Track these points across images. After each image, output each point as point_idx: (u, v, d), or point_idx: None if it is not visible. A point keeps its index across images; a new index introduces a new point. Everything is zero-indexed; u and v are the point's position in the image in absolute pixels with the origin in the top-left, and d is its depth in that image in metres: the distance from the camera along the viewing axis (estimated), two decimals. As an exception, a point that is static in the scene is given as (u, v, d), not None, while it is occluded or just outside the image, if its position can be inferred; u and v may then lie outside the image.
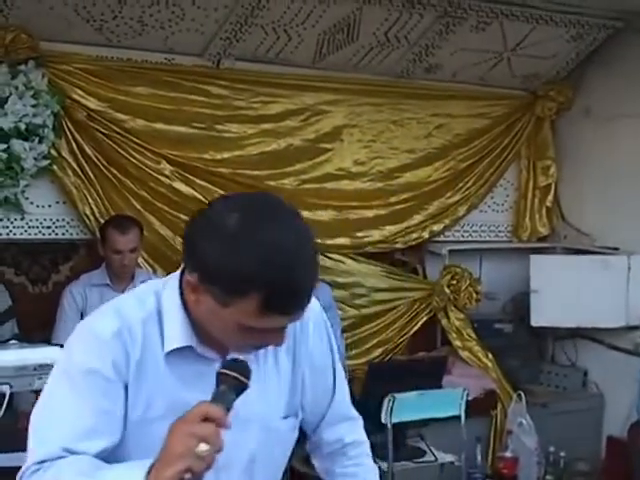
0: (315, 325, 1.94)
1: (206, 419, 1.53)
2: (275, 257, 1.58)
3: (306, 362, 1.93)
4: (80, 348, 1.74)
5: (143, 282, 4.76)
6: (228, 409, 1.57)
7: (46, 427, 1.70)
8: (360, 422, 2.12)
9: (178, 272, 1.79)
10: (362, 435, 2.11)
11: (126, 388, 1.72)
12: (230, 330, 1.67)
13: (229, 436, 1.56)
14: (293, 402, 1.92)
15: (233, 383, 1.60)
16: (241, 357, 1.68)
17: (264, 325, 1.63)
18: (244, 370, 1.63)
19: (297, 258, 1.61)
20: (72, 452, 1.65)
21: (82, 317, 4.55)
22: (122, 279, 4.65)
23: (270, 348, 1.81)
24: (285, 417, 1.90)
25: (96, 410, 1.68)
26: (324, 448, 2.07)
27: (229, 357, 1.71)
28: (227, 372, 1.61)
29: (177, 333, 1.74)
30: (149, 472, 1.52)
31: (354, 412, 2.11)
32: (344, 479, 2.07)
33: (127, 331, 1.72)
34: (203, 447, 1.50)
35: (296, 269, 1.60)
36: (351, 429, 2.08)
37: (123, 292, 4.59)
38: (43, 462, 1.66)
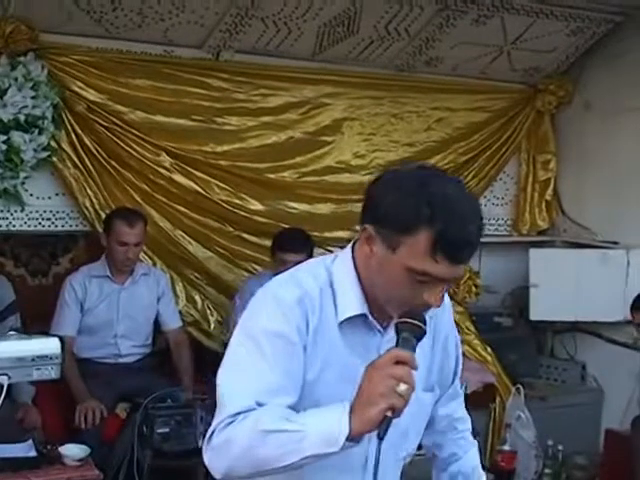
0: (448, 306, 2.06)
1: (398, 362, 1.66)
2: (450, 204, 1.71)
3: (441, 343, 2.04)
4: (266, 313, 1.84)
5: (143, 274, 4.84)
6: (413, 351, 1.71)
7: (237, 384, 1.80)
8: (462, 398, 2.22)
9: (349, 246, 1.94)
10: (465, 411, 2.23)
11: (304, 350, 1.83)
12: (397, 280, 1.76)
13: None
14: (430, 378, 2.03)
15: (413, 329, 1.72)
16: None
17: (429, 269, 1.72)
18: (420, 317, 1.74)
19: (470, 212, 1.74)
20: (264, 405, 1.75)
21: (82, 308, 4.57)
22: (123, 271, 4.66)
23: None
24: (425, 390, 2.00)
25: (283, 369, 1.78)
26: (437, 424, 2.15)
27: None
28: (406, 320, 1.73)
29: (351, 302, 1.86)
30: (351, 411, 1.64)
31: (460, 389, 2.20)
32: (454, 448, 2.19)
33: (308, 299, 1.84)
34: (403, 386, 1.64)
35: (468, 219, 1.72)
36: (459, 406, 2.20)
37: (123, 284, 4.65)
38: (237, 414, 1.74)
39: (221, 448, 1.75)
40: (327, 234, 5.39)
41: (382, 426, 1.65)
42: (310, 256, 4.34)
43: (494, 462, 5.09)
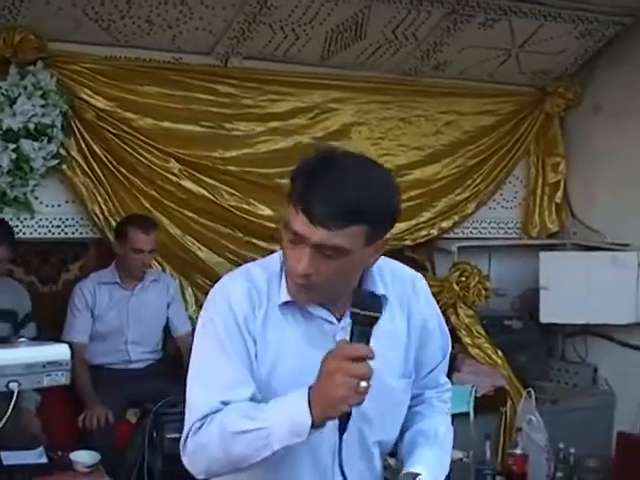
0: (423, 289, 2.10)
1: (356, 359, 1.69)
2: (322, 166, 1.80)
3: (419, 322, 2.05)
4: (216, 309, 1.92)
5: (153, 281, 4.86)
6: (368, 341, 1.73)
7: (200, 387, 1.88)
8: (448, 387, 2.20)
9: None
10: (447, 379, 2.19)
11: (255, 343, 1.88)
12: (287, 249, 1.83)
13: None
14: (408, 362, 2.03)
15: (366, 320, 1.74)
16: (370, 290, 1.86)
17: (292, 222, 1.78)
18: (373, 303, 1.77)
19: (336, 177, 1.77)
20: (227, 403, 1.83)
21: (92, 315, 4.59)
22: (133, 277, 4.68)
23: (388, 313, 1.92)
24: (400, 377, 2.01)
25: (239, 362, 1.86)
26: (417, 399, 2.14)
27: (361, 292, 1.85)
28: (357, 311, 1.75)
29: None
30: (311, 401, 1.71)
31: (444, 379, 2.19)
32: (423, 408, 2.14)
33: (255, 291, 1.90)
34: (363, 384, 1.68)
35: (328, 181, 1.77)
36: (441, 375, 2.17)
37: (133, 290, 4.66)
38: (205, 417, 1.83)
39: (196, 453, 1.85)
40: (336, 238, 5.39)
41: (342, 420, 1.73)
42: None
43: (506, 465, 5.07)
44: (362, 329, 1.74)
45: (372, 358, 1.70)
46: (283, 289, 1.90)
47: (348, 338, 1.75)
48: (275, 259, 1.96)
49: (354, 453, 1.95)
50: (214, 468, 1.85)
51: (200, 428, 1.83)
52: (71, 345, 2.96)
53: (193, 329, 4.87)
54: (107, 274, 4.69)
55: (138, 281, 4.71)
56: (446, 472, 2.04)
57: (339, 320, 1.92)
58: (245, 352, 1.87)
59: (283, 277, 1.90)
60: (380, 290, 1.94)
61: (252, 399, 1.84)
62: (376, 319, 1.75)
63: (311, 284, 1.82)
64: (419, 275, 2.13)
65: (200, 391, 1.87)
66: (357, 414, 1.82)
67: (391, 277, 2.02)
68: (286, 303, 1.90)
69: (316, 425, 1.72)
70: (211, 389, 1.85)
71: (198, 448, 1.84)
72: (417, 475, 1.93)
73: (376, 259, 1.90)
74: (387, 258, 2.06)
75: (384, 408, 1.97)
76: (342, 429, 1.75)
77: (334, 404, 1.69)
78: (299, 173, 1.82)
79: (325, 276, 1.81)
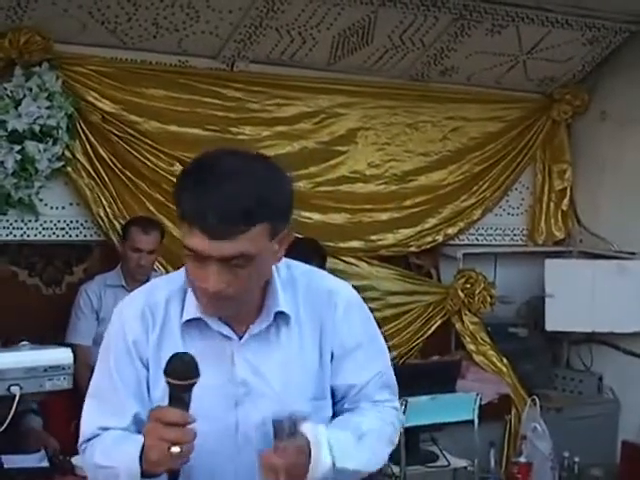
0: (343, 302, 1.92)
1: (169, 423, 1.65)
2: (198, 175, 1.70)
3: (333, 339, 1.90)
4: (110, 331, 1.90)
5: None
6: (187, 405, 1.68)
7: (87, 410, 1.89)
8: (389, 404, 2.00)
9: None
10: (388, 414, 1.99)
11: (148, 365, 1.84)
12: (186, 266, 1.75)
13: (237, 407, 1.80)
14: (321, 382, 1.91)
15: (181, 387, 1.68)
16: (186, 353, 1.71)
17: (189, 242, 1.69)
18: (187, 369, 1.68)
19: (217, 181, 1.68)
20: (105, 428, 1.83)
21: (97, 317, 4.58)
22: (137, 280, 4.65)
23: (295, 330, 1.85)
24: (313, 399, 1.89)
25: (125, 388, 1.83)
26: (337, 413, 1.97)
27: (172, 359, 1.71)
28: (169, 380, 1.68)
29: (191, 305, 1.82)
30: (141, 455, 1.70)
31: (383, 396, 1.99)
32: (356, 407, 1.96)
33: (149, 312, 1.85)
34: (175, 449, 1.64)
35: (212, 187, 1.67)
36: (375, 408, 1.97)
37: (137, 294, 4.63)
38: (86, 442, 1.86)
39: (85, 471, 1.92)
40: (341, 244, 5.38)
41: (171, 476, 1.72)
42: (322, 267, 4.32)
43: (510, 474, 5.05)
44: (178, 395, 1.68)
45: (189, 423, 1.66)
46: (188, 306, 1.83)
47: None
48: (180, 274, 1.87)
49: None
50: None
51: (84, 450, 1.87)
52: (74, 348, 2.94)
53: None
54: (113, 276, 4.68)
55: (143, 284, 4.68)
56: (360, 462, 1.88)
57: (240, 337, 1.83)
58: (132, 377, 1.84)
59: (189, 293, 1.82)
60: (281, 306, 1.84)
61: (136, 423, 1.81)
62: (192, 385, 1.68)
63: (226, 296, 1.72)
64: (342, 286, 1.97)
65: (87, 412, 1.89)
66: (256, 436, 1.82)
67: (305, 290, 1.90)
68: (188, 321, 1.83)
69: (146, 475, 1.72)
70: (94, 413, 1.87)
71: (84, 468, 1.91)
72: (300, 419, 1.78)
73: (281, 255, 1.81)
74: (313, 268, 1.99)
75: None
76: None
77: (150, 464, 1.69)
78: (180, 187, 1.73)
79: (239, 286, 1.72)
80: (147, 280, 4.63)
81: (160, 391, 1.79)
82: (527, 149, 6.03)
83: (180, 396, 1.68)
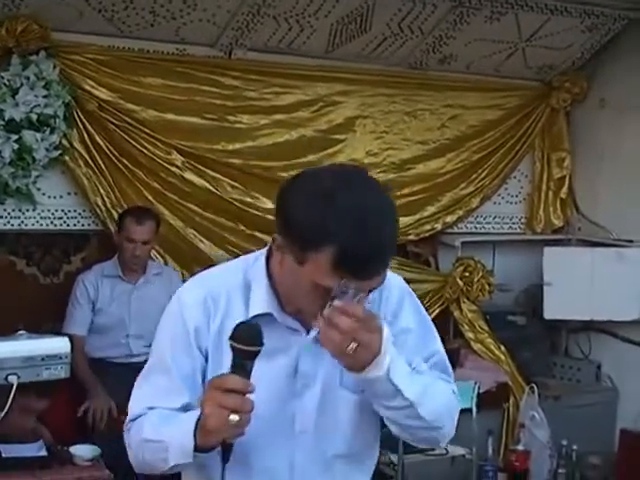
0: (399, 295, 1.96)
1: (228, 390, 1.65)
2: (353, 215, 1.63)
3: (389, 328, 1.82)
4: (169, 316, 1.90)
5: (155, 274, 4.84)
6: (249, 374, 1.68)
7: (137, 391, 1.92)
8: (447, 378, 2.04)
9: (268, 246, 1.86)
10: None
11: (207, 355, 1.84)
12: (308, 292, 1.70)
13: (289, 387, 1.81)
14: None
15: (245, 353, 1.68)
16: (254, 322, 1.74)
17: (331, 283, 1.65)
18: (253, 336, 1.68)
19: (376, 223, 1.65)
20: (153, 409, 1.85)
21: (94, 307, 4.58)
22: (133, 270, 4.66)
23: None
24: (353, 392, 1.88)
25: (179, 372, 1.83)
26: None
27: (240, 325, 1.72)
28: (234, 345, 1.68)
29: (260, 300, 1.82)
30: (197, 427, 1.70)
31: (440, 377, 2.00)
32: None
33: (211, 300, 1.84)
34: (234, 417, 1.65)
35: (372, 233, 1.64)
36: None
37: (135, 284, 4.64)
38: (132, 421, 1.89)
39: (128, 450, 1.91)
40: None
41: (224, 450, 1.71)
42: None
43: (508, 462, 5.06)
44: (241, 362, 1.68)
45: (250, 392, 1.66)
46: (256, 301, 1.82)
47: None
48: (238, 267, 1.88)
49: (312, 469, 1.88)
50: (138, 467, 1.90)
51: (128, 430, 1.89)
52: (70, 337, 2.94)
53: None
54: (110, 266, 4.67)
55: (140, 274, 4.69)
56: (413, 393, 1.79)
57: (308, 331, 1.84)
58: (188, 365, 1.84)
59: (253, 287, 1.83)
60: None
61: (185, 409, 1.82)
62: (256, 353, 1.68)
63: None
64: (393, 276, 1.96)
65: (137, 392, 1.92)
66: (312, 427, 1.83)
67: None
68: (254, 316, 1.82)
69: (199, 449, 1.72)
70: (145, 393, 1.89)
71: (128, 447, 1.90)
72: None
73: None
74: None
75: (335, 421, 1.88)
76: (224, 458, 1.72)
77: (206, 433, 1.69)
78: (331, 220, 1.63)
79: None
80: (144, 269, 4.66)
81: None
82: (526, 137, 6.01)
83: (243, 363, 1.68)
